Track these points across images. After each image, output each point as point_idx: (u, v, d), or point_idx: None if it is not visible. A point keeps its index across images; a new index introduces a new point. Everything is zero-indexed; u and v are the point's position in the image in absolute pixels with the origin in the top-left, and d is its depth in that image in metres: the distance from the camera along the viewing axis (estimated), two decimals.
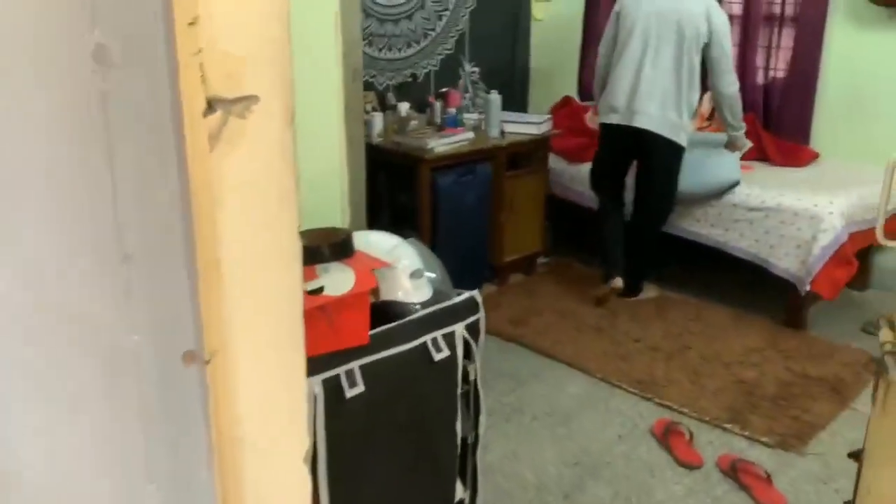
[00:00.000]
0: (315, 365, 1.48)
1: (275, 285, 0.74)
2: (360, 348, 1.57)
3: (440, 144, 3.44)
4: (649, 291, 3.76)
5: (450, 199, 3.49)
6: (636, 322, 3.47)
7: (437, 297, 1.77)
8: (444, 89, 4.02)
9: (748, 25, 4.18)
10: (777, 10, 4.06)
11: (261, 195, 0.70)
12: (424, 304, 1.73)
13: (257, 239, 0.71)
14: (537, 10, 4.48)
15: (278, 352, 0.76)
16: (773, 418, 2.70)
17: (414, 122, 3.65)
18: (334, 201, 2.06)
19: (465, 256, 3.62)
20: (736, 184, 3.46)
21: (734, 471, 2.38)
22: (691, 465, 2.44)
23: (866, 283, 3.82)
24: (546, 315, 3.54)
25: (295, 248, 0.75)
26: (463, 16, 4.16)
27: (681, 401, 2.81)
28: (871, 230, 3.57)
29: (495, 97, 3.72)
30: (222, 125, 0.65)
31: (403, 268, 1.70)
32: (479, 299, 1.84)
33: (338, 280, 1.51)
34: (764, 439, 2.58)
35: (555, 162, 4.08)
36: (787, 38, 4.04)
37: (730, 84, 3.33)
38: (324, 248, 1.60)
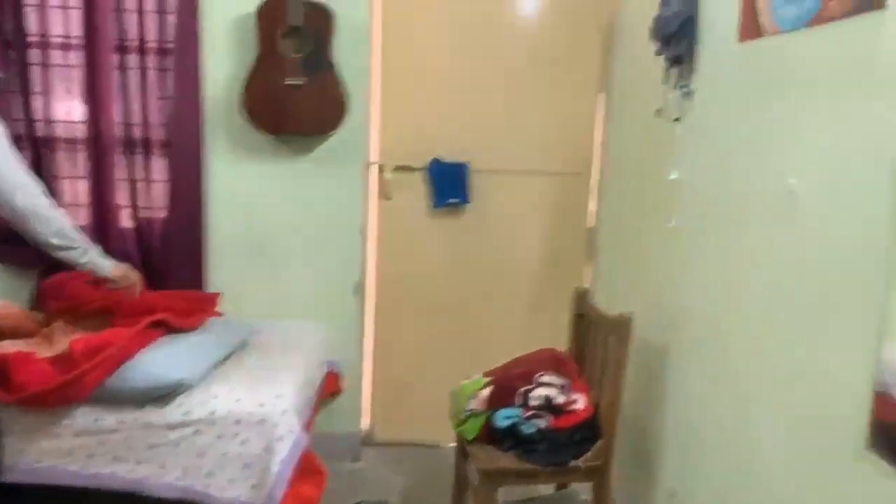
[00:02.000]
0: None
1: None
2: None
3: None
4: None
5: None
6: None
7: None
8: None
9: (99, 154, 3.05)
10: (137, 133, 3.06)
11: None
12: None
13: None
14: None
15: None
16: None
17: None
18: None
19: None
20: (180, 385, 2.30)
21: None
22: None
23: None
24: None
25: None
26: None
27: None
28: (309, 421, 2.85)
29: None
30: None
31: None
32: None
33: None
34: None
35: None
36: (161, 169, 3.08)
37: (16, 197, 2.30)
38: None
